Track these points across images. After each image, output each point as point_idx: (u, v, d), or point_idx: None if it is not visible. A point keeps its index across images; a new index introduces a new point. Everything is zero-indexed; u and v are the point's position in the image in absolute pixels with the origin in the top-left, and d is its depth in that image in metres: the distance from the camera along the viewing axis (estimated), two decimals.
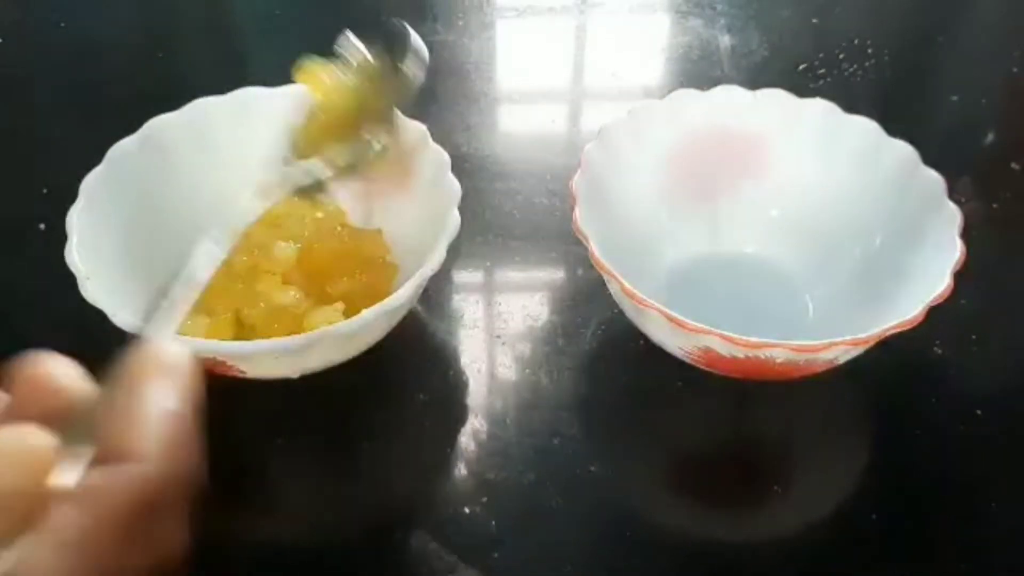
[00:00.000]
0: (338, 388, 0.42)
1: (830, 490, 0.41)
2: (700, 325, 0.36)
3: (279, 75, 0.49)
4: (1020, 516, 0.40)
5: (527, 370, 0.45)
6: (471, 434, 0.42)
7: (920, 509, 0.40)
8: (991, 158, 0.58)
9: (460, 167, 0.54)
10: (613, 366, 0.45)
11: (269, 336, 0.40)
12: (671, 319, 0.37)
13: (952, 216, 0.41)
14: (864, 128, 0.46)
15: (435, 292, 0.48)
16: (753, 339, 0.36)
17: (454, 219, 0.41)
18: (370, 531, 0.39)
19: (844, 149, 0.46)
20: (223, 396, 0.39)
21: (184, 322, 0.40)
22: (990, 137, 0.59)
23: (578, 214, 0.41)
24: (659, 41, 0.67)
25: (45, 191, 0.53)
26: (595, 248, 0.39)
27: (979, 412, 0.43)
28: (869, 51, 0.65)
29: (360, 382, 0.43)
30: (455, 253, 0.43)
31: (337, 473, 0.41)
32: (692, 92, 0.47)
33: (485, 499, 0.40)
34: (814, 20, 0.68)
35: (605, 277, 0.39)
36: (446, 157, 0.44)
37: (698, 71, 0.64)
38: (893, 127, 0.59)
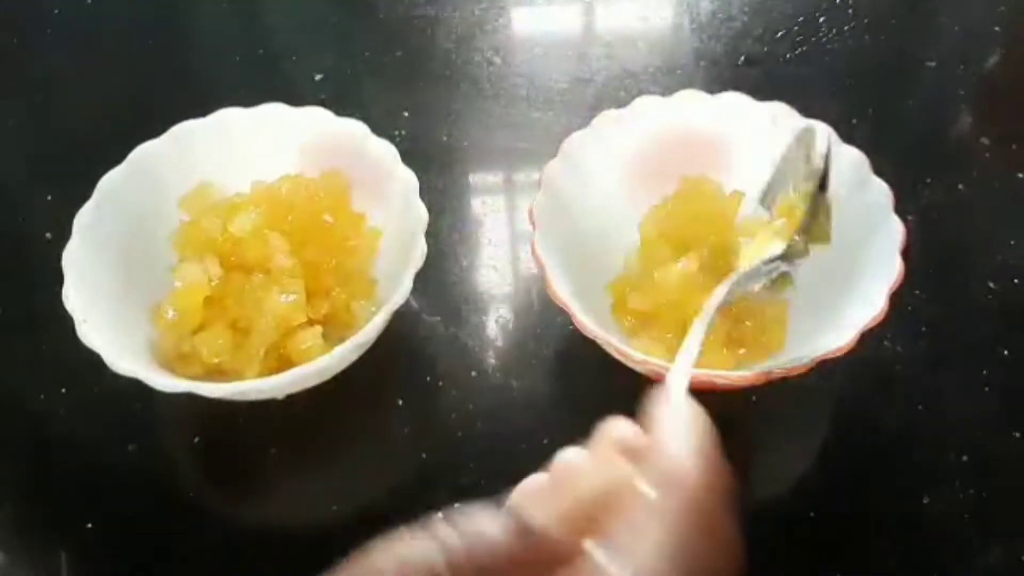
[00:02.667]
0: (320, 396, 0.45)
1: (778, 490, 0.44)
2: (641, 357, 0.39)
3: (254, 95, 0.51)
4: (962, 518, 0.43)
5: (498, 374, 0.48)
6: (445, 440, 0.46)
7: (866, 513, 0.43)
8: (963, 130, 0.59)
9: (441, 159, 0.57)
10: (582, 371, 0.48)
11: (263, 340, 0.44)
12: (619, 352, 0.40)
13: (895, 233, 0.42)
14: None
15: (412, 297, 0.51)
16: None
17: (420, 248, 0.43)
18: (345, 538, 0.43)
19: None
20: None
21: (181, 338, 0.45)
22: (963, 109, 0.59)
23: (538, 240, 0.43)
24: (643, 12, 0.67)
25: (49, 235, 0.53)
26: (552, 278, 0.42)
27: (920, 407, 0.46)
28: (850, 12, 0.65)
29: (342, 389, 0.46)
30: (432, 253, 0.45)
31: (319, 481, 0.45)
32: (654, 99, 0.49)
33: (457, 506, 0.44)
34: None
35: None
36: (415, 180, 0.46)
37: (678, 40, 0.65)
38: (867, 95, 0.60)
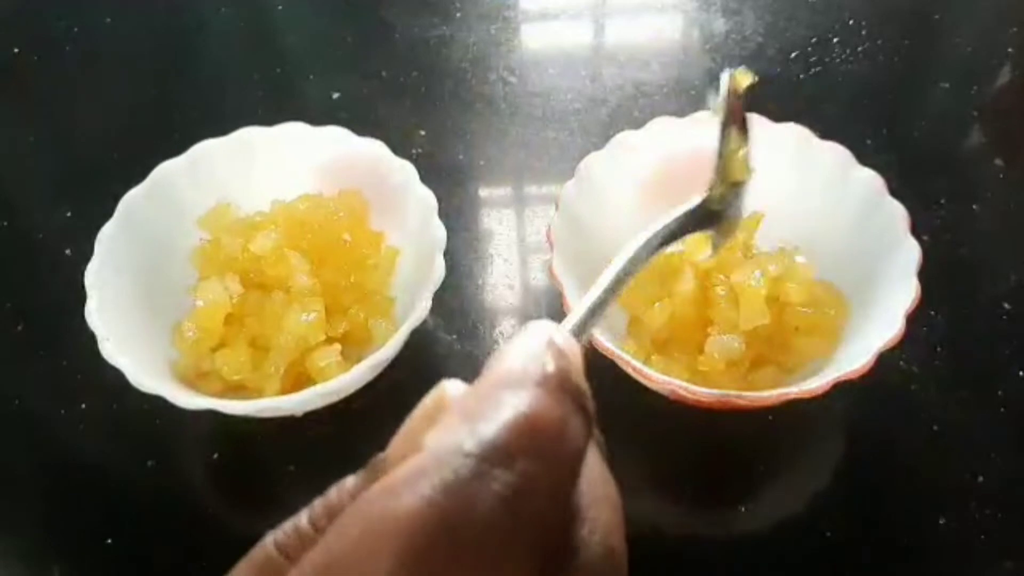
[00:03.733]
0: (338, 413, 0.45)
1: (794, 509, 0.45)
2: (659, 376, 0.40)
3: (272, 113, 0.51)
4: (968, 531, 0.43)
5: None
6: None
7: (881, 534, 0.43)
8: (976, 151, 0.59)
9: (456, 178, 0.58)
10: (599, 389, 0.46)
11: (282, 358, 0.44)
12: (636, 371, 0.40)
13: (911, 254, 0.43)
14: (835, 154, 0.47)
15: (428, 315, 0.51)
16: (707, 391, 0.39)
17: (438, 267, 0.44)
18: None
19: (816, 175, 0.48)
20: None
21: (201, 356, 0.45)
22: (976, 129, 0.60)
23: (555, 261, 0.44)
24: (657, 32, 0.68)
25: (69, 251, 0.54)
26: (570, 299, 0.42)
27: (935, 427, 0.46)
28: (863, 33, 0.65)
29: (359, 407, 0.46)
30: (450, 270, 0.45)
31: None
32: (669, 120, 0.49)
33: None
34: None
35: None
36: (433, 200, 0.46)
37: (692, 60, 0.65)
38: (880, 116, 0.60)
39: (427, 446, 0.20)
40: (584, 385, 0.22)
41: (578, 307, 0.28)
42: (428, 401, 0.23)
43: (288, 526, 0.22)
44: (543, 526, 0.20)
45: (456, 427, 0.20)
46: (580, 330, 0.26)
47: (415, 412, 0.24)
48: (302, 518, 0.22)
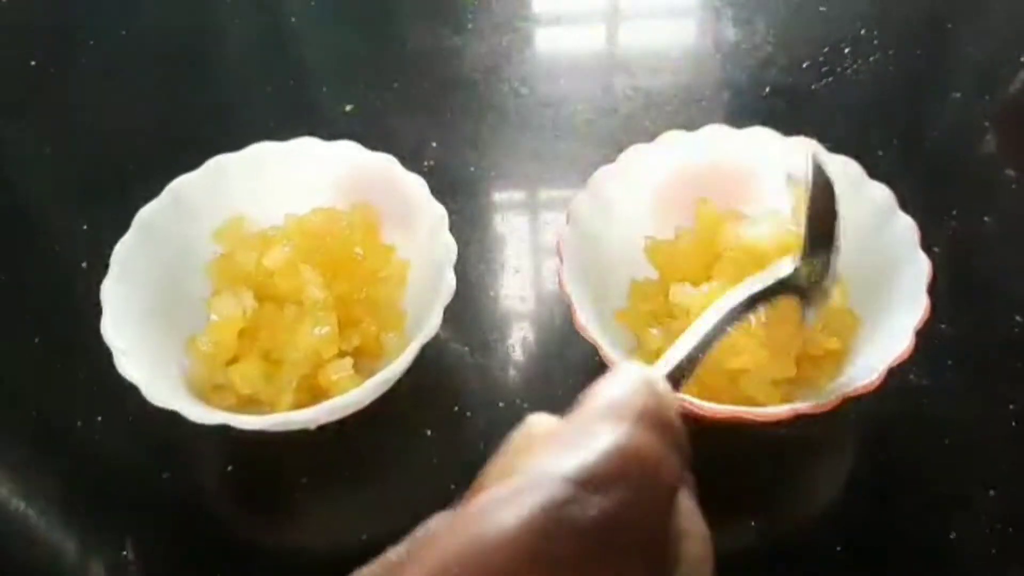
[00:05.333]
0: (351, 426, 0.45)
1: (805, 523, 0.45)
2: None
3: (285, 125, 0.52)
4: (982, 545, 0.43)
5: (525, 404, 0.49)
6: (474, 469, 0.46)
7: (893, 548, 0.43)
8: (989, 161, 0.59)
9: (468, 189, 0.58)
10: None
11: (295, 372, 0.45)
12: None
13: (921, 268, 0.43)
14: (845, 168, 0.47)
15: (439, 327, 0.51)
16: (717, 406, 0.39)
17: (449, 281, 0.44)
18: None
19: None
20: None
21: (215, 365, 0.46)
22: (988, 139, 0.60)
23: (564, 273, 0.44)
24: (668, 41, 0.68)
25: (85, 264, 0.54)
26: (579, 311, 0.42)
27: (947, 441, 0.46)
28: (875, 42, 0.65)
29: (371, 419, 0.46)
30: (459, 282, 0.46)
31: (349, 509, 0.46)
32: (680, 133, 0.49)
33: None
34: (821, 8, 0.68)
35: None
36: (444, 214, 0.47)
37: (703, 70, 0.65)
38: (892, 126, 0.60)
39: (522, 470, 0.21)
40: (679, 425, 0.23)
41: (670, 356, 0.28)
42: (516, 436, 0.24)
43: (374, 564, 0.22)
44: (636, 555, 0.20)
45: (553, 454, 0.21)
46: (673, 379, 0.27)
47: (503, 447, 0.24)
48: (389, 555, 0.22)
